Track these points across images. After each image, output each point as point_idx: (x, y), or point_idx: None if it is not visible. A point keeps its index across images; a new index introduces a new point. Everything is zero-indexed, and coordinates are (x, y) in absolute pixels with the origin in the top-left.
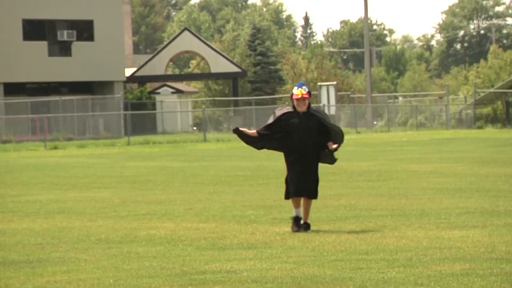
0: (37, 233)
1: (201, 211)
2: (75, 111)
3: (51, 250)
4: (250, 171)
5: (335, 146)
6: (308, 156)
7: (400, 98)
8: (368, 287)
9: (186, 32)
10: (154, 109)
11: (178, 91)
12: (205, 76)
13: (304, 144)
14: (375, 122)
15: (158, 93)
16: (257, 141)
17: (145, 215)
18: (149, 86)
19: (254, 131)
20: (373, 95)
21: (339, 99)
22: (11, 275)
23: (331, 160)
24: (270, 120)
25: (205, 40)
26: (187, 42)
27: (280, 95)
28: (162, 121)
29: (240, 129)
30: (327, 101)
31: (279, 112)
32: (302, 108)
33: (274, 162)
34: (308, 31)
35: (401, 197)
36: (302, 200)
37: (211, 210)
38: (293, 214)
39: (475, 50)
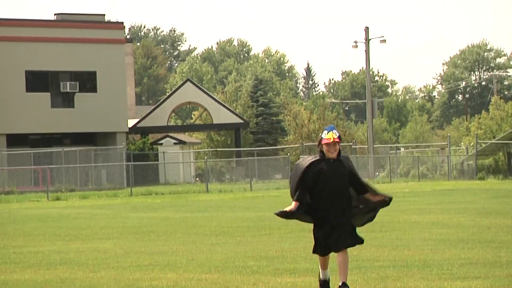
0: (39, 284)
1: (203, 261)
2: (77, 162)
3: None
4: (252, 222)
5: (379, 198)
6: (340, 207)
7: (402, 149)
8: None
9: (188, 83)
10: (157, 160)
11: (180, 142)
12: (208, 127)
13: (336, 194)
14: (377, 173)
15: (161, 144)
16: (300, 210)
17: (147, 266)
18: (152, 137)
19: (294, 204)
20: (375, 146)
21: (341, 150)
22: None
23: (372, 216)
24: (296, 176)
25: (207, 91)
26: (190, 93)
27: (282, 146)
28: (165, 172)
29: (283, 210)
30: None
31: (304, 162)
32: (332, 154)
33: None
34: (310, 82)
35: (403, 248)
36: (338, 257)
37: (213, 261)
38: (320, 277)
39: (476, 101)
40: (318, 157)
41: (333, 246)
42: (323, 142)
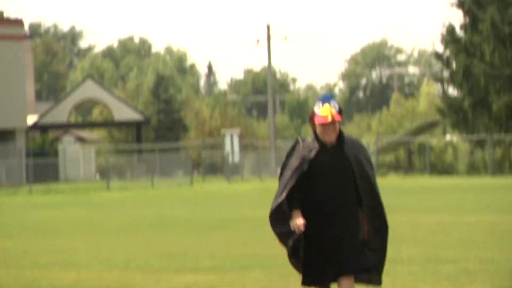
0: None
1: (104, 260)
2: None
3: None
4: (154, 219)
5: (366, 234)
6: (343, 218)
7: None
8: None
9: (89, 80)
10: (57, 157)
11: (81, 139)
12: (108, 124)
13: (335, 198)
14: (278, 170)
15: (61, 141)
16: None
17: (47, 264)
18: (52, 134)
19: (296, 217)
20: (277, 142)
21: (243, 147)
22: None
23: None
24: (284, 177)
25: (108, 88)
26: (90, 90)
27: (184, 142)
28: (65, 169)
29: (291, 240)
30: (231, 149)
31: (294, 155)
32: (330, 137)
33: (178, 210)
34: (212, 79)
35: None
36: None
37: (114, 259)
38: None
39: (377, 98)
40: (310, 143)
41: (334, 272)
42: (316, 121)
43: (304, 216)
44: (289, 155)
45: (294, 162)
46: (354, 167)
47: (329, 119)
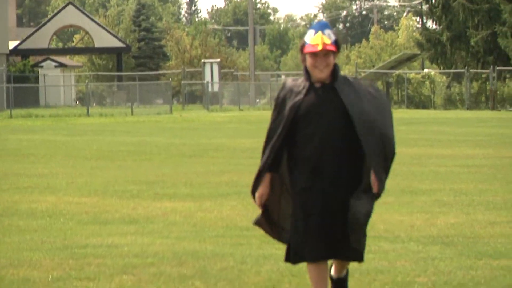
0: None
1: (83, 185)
2: None
3: None
4: (133, 146)
5: (375, 185)
6: (336, 174)
7: (283, 77)
8: (248, 263)
9: (70, 6)
10: (37, 82)
11: (61, 65)
12: (89, 50)
13: (327, 148)
14: (257, 100)
15: (42, 66)
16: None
17: (26, 188)
18: (32, 60)
19: (262, 186)
20: (257, 73)
21: (223, 77)
22: None
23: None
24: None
25: (89, 15)
26: (71, 16)
27: (164, 71)
28: (45, 95)
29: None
30: (211, 78)
31: (281, 93)
32: (322, 74)
33: (157, 138)
34: (193, 8)
35: None
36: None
37: (93, 185)
38: None
39: (357, 30)
40: (300, 80)
41: (335, 251)
42: (305, 50)
43: (291, 173)
44: (276, 104)
45: (281, 108)
46: (350, 110)
47: (320, 47)
